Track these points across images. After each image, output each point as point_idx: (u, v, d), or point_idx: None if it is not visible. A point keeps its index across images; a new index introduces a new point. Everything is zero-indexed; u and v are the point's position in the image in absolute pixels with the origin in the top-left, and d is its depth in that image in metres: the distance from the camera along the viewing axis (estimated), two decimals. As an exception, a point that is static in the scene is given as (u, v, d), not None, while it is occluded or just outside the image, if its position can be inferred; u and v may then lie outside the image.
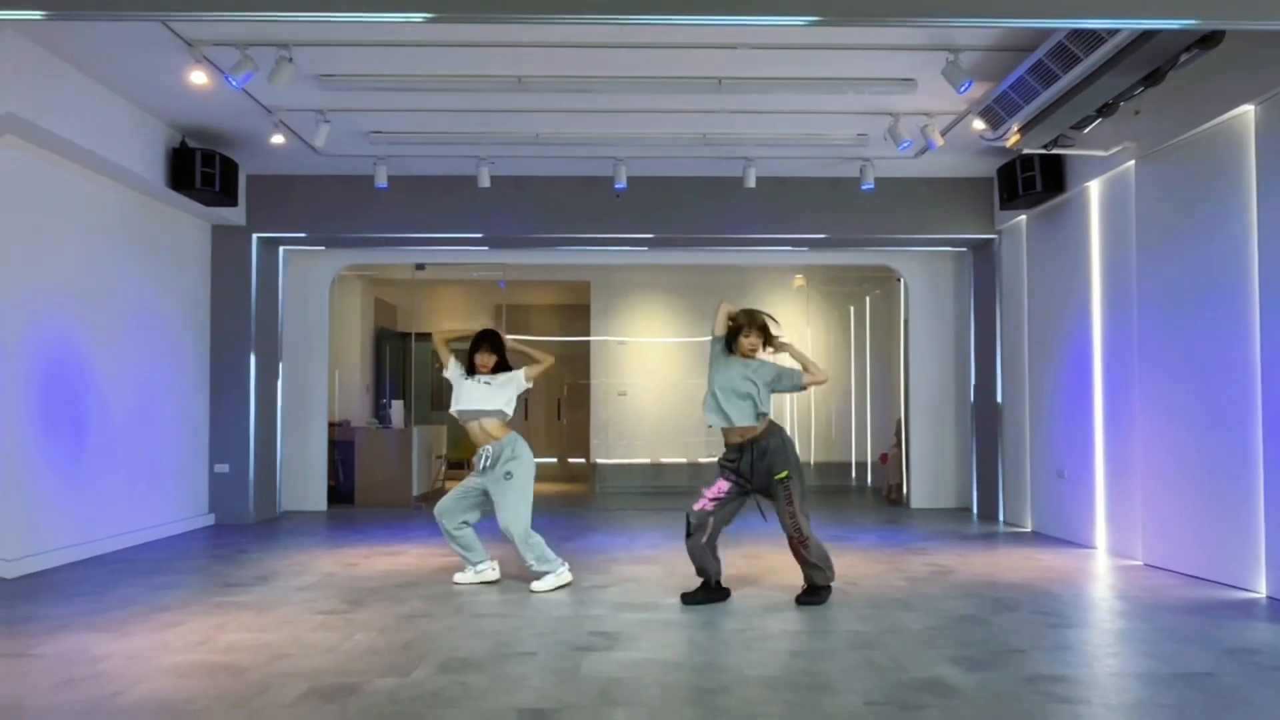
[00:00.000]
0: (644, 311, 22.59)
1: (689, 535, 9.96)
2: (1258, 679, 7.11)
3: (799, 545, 9.90)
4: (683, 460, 22.35)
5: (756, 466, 9.91)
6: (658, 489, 21.80)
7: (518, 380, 11.12)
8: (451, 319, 25.70)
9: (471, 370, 11.10)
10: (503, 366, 11.14)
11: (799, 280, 22.13)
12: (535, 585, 10.79)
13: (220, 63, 11.53)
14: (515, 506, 10.82)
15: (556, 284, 24.45)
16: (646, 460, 22.21)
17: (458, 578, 11.12)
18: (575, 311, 23.61)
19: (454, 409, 11.08)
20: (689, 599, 9.95)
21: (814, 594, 9.96)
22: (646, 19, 7.84)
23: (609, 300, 22.54)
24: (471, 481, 11.07)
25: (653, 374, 22.41)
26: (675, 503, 19.16)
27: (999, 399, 16.84)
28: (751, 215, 16.70)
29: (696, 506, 9.96)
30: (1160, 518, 11.94)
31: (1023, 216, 15.97)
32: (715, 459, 10.21)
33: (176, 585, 10.86)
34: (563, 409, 24.86)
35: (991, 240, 17.05)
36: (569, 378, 24.14)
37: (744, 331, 10.05)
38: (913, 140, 13.76)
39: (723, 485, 9.95)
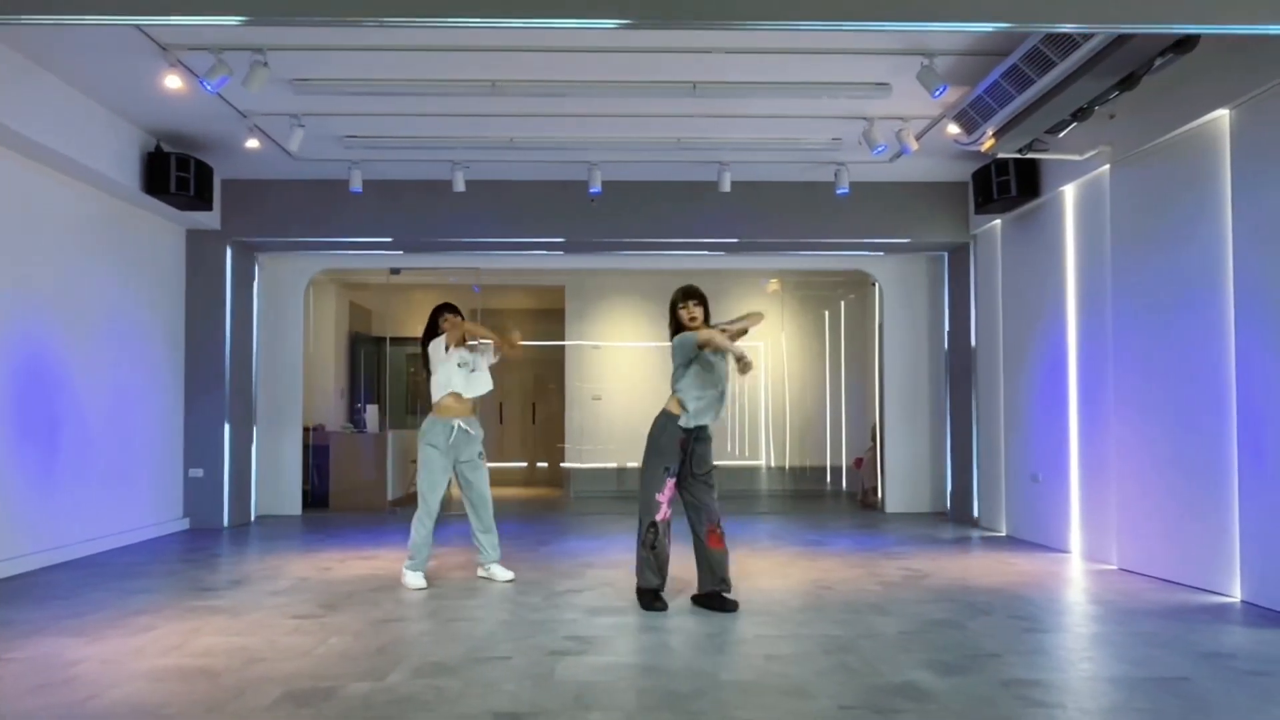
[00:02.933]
0: (619, 316, 22.58)
1: (652, 547, 9.79)
2: (1233, 683, 7.11)
3: (722, 537, 9.91)
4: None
5: (696, 453, 9.99)
6: (631, 493, 21.76)
7: (489, 355, 11.61)
8: (426, 323, 25.55)
9: (435, 333, 11.54)
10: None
11: (773, 284, 22.13)
12: (500, 573, 11.43)
13: (195, 67, 11.53)
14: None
15: (531, 288, 24.38)
16: (621, 465, 22.18)
17: (417, 583, 11.06)
18: (550, 316, 23.58)
19: (452, 389, 11.29)
20: (657, 605, 9.82)
21: (729, 601, 9.86)
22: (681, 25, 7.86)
23: (583, 304, 22.53)
24: (444, 465, 11.24)
25: (627, 378, 22.37)
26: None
27: (973, 403, 16.88)
28: (726, 219, 16.73)
29: (659, 516, 9.81)
30: (1135, 522, 11.96)
31: (997, 221, 16.00)
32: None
33: (151, 589, 10.84)
34: (536, 413, 24.83)
35: (966, 244, 17.08)
36: (543, 381, 24.13)
37: (681, 304, 10.10)
38: (887, 144, 13.76)
39: (671, 484, 9.87)
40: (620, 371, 22.46)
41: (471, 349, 11.47)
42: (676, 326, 10.18)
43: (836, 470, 22.51)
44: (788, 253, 18.25)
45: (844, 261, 19.02)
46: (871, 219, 16.92)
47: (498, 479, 18.37)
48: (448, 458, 11.22)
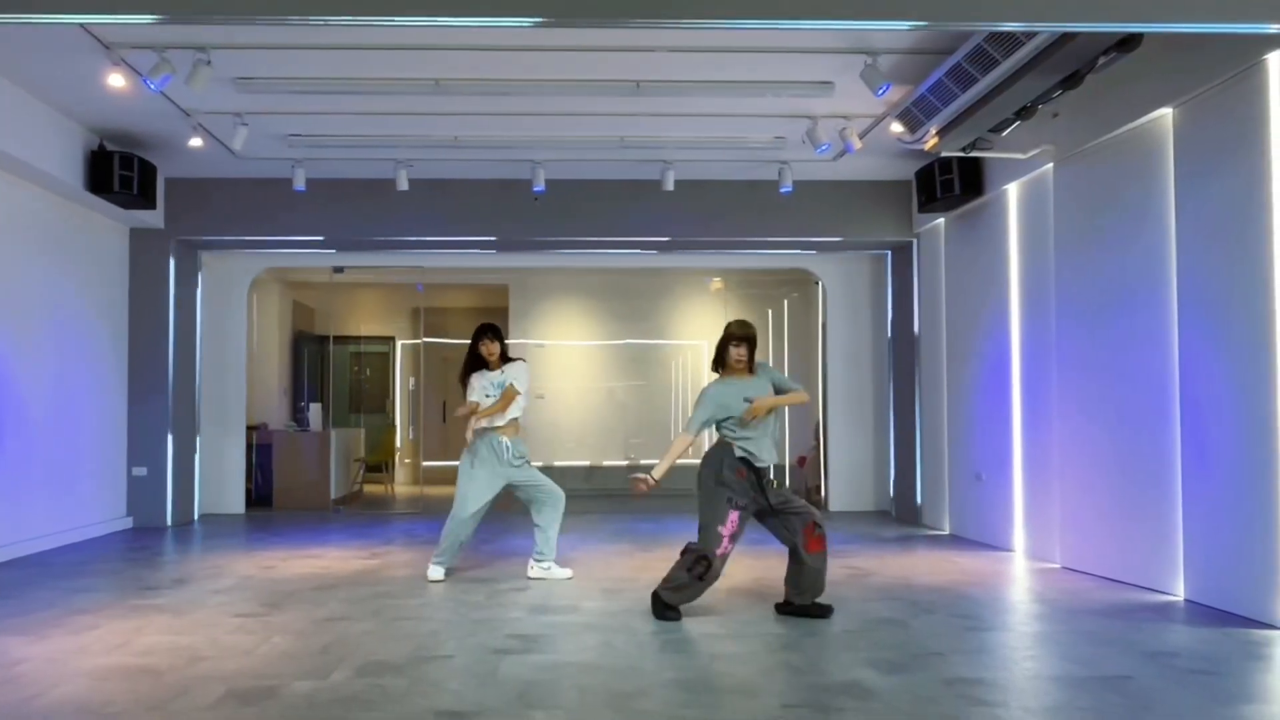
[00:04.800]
0: (563, 314, 22.60)
1: (700, 578, 9.37)
2: (1175, 681, 7.13)
3: (823, 538, 9.57)
4: (602, 463, 22.37)
5: (770, 489, 9.58)
6: (575, 492, 21.73)
7: (512, 382, 11.62)
8: (370, 322, 25.65)
9: (479, 363, 11.66)
10: (504, 353, 11.76)
11: (717, 283, 22.13)
12: (548, 571, 11.61)
13: (138, 65, 11.43)
14: (544, 483, 11.70)
15: (475, 287, 24.35)
16: (565, 464, 22.13)
17: (437, 575, 11.35)
18: (493, 314, 23.45)
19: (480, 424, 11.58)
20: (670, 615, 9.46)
21: (824, 608, 9.54)
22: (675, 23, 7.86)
23: (527, 303, 22.51)
24: (485, 478, 11.49)
25: (571, 377, 22.41)
26: (594, 505, 19.10)
27: (917, 402, 16.92)
28: (670, 218, 16.71)
29: (719, 551, 9.36)
30: (1078, 521, 11.99)
31: (941, 219, 16.03)
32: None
33: (94, 588, 10.79)
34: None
35: (910, 243, 17.11)
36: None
37: (733, 342, 9.64)
38: (831, 143, 13.78)
39: (734, 517, 9.41)
40: (564, 370, 22.48)
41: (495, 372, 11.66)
42: (719, 359, 9.83)
43: (780, 469, 22.45)
44: (731, 251, 18.30)
45: (787, 260, 19.07)
46: (815, 217, 16.92)
47: (440, 477, 18.32)
48: (485, 469, 11.50)
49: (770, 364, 9.93)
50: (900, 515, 17.54)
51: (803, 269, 19.41)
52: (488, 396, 11.46)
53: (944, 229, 16.05)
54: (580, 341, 22.54)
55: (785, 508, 9.58)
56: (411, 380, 25.18)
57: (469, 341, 11.69)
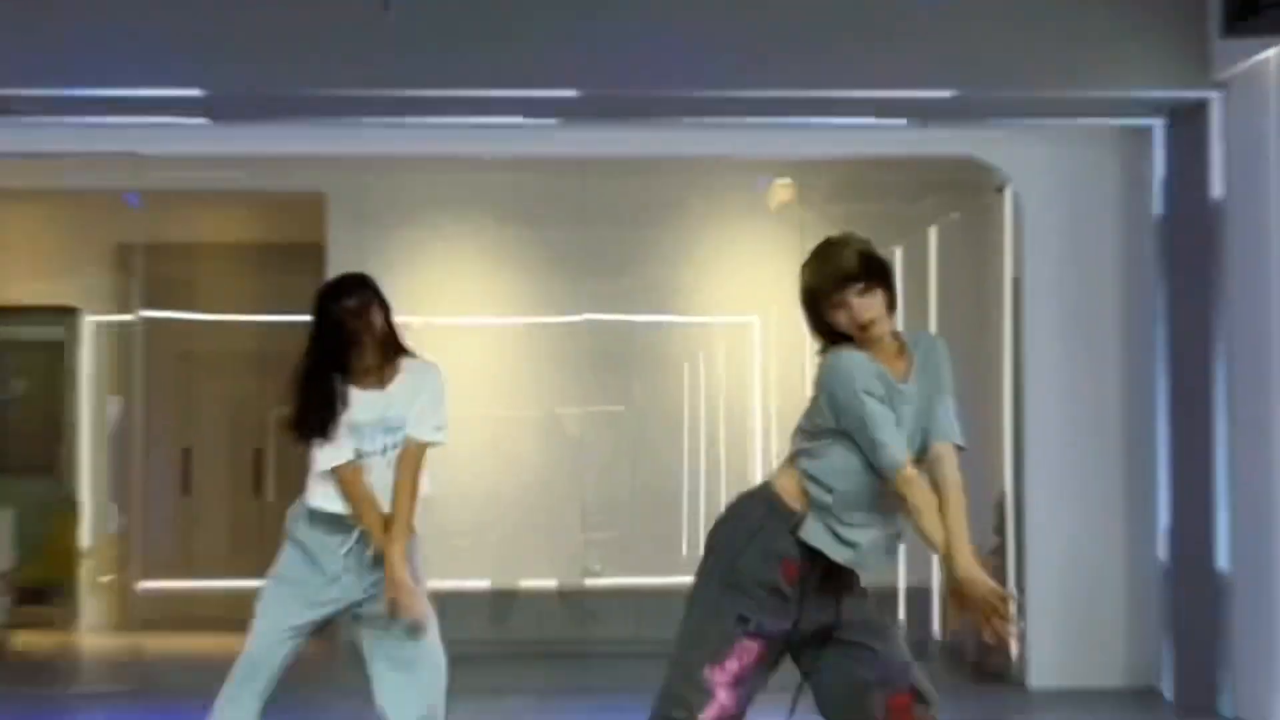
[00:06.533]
0: (446, 258, 22.27)
1: None
2: None
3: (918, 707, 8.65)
4: (525, 584, 22.29)
5: (842, 604, 8.44)
6: (475, 642, 21.54)
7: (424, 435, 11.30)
8: (14, 279, 25.30)
9: (336, 368, 11.01)
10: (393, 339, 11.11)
11: (781, 190, 21.85)
12: None
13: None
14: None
15: (251, 197, 24.12)
16: (452, 584, 22.03)
17: None
18: (295, 254, 23.16)
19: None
20: None
21: None
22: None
23: (366, 233, 21.80)
24: (303, 589, 10.89)
25: (470, 399, 21.97)
26: (510, 673, 19.13)
27: (1217, 433, 16.39)
28: (670, 45, 16.26)
29: (707, 715, 8.43)
30: None
31: (1271, 53, 15.66)
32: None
33: None
34: (266, 474, 24.54)
35: (1205, 103, 16.68)
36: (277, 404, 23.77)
37: (850, 283, 8.34)
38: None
39: (747, 648, 8.90)
40: (456, 384, 22.14)
41: None
42: (825, 333, 8.84)
43: (915, 599, 21.94)
44: (809, 121, 17.98)
45: (933, 139, 18.72)
46: (992, 49, 16.55)
47: (184, 612, 18.57)
48: (307, 573, 11.22)
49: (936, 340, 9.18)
50: (1186, 698, 17.14)
51: (969, 158, 19.07)
52: (380, 452, 10.88)
53: (1276, 70, 15.75)
54: (489, 318, 22.26)
55: (854, 648, 8.73)
56: (117, 401, 24.88)
57: (308, 318, 10.90)
